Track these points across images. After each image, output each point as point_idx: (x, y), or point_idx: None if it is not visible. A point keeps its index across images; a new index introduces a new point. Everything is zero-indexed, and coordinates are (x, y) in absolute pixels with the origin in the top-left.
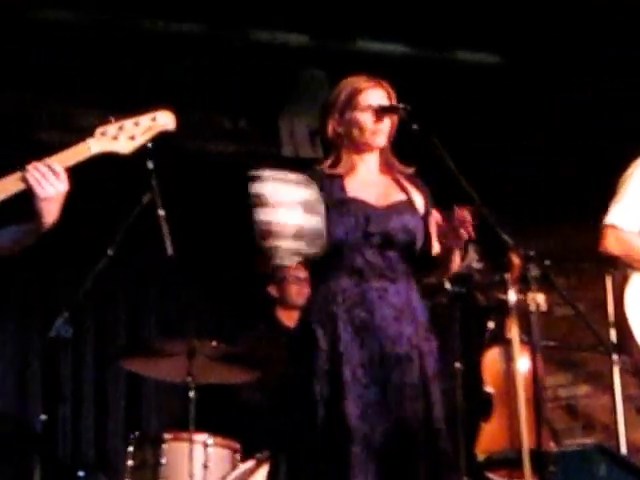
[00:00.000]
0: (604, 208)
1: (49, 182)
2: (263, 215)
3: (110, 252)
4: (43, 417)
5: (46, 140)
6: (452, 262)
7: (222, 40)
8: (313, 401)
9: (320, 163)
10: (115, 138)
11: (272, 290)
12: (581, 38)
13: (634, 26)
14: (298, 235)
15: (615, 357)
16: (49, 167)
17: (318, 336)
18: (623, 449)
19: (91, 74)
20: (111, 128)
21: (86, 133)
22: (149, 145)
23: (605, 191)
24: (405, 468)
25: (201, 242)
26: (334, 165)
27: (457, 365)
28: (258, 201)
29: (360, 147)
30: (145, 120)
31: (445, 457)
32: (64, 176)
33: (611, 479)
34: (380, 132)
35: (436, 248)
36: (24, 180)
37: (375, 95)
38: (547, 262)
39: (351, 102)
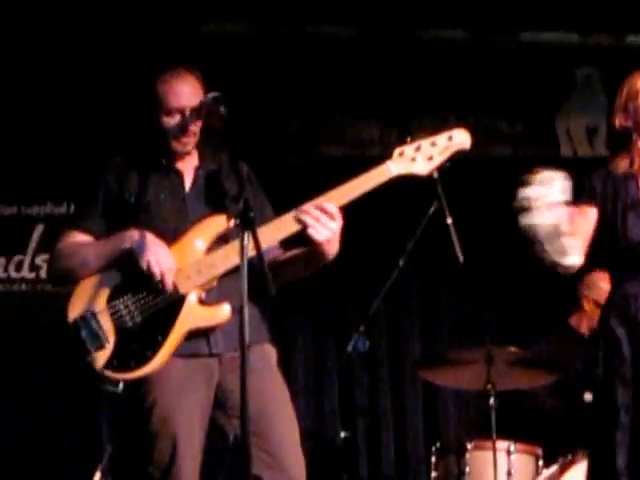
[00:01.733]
0: None
1: (323, 225)
2: (527, 219)
3: (401, 263)
4: (344, 434)
5: (329, 154)
6: None
7: (493, 45)
8: (615, 408)
9: (611, 162)
10: (413, 159)
11: (586, 302)
12: None
13: None
14: (557, 233)
15: None
16: (322, 209)
17: (621, 340)
18: None
19: (369, 87)
20: (408, 149)
21: (366, 146)
22: (447, 165)
23: None
24: None
25: (490, 247)
26: (629, 164)
27: None
28: (523, 205)
29: None
30: (442, 140)
31: None
32: (338, 215)
33: None
34: None
35: None
36: (300, 222)
37: None
38: None
39: (631, 94)
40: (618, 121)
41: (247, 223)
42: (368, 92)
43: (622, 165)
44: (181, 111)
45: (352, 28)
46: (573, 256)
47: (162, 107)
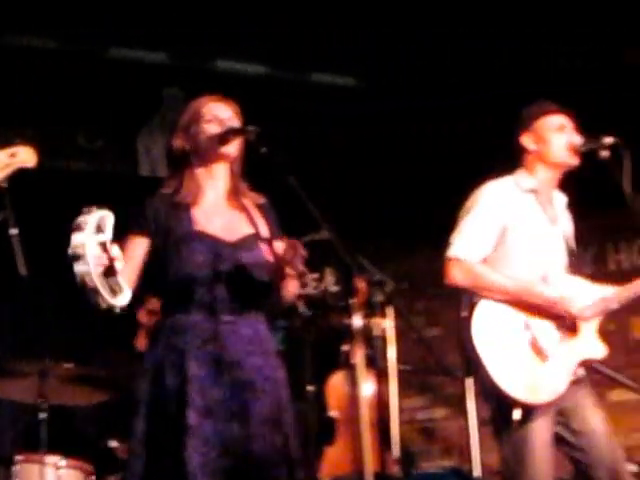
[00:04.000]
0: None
1: None
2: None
3: None
4: None
5: None
6: (282, 291)
7: (81, 56)
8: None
9: (164, 185)
10: None
11: (142, 317)
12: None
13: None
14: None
15: (468, 381)
16: None
17: (166, 370)
18: (477, 472)
19: None
20: None
21: None
22: (3, 185)
23: None
24: None
25: (57, 262)
26: (179, 190)
27: (309, 388)
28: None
29: (209, 159)
30: (3, 156)
31: None
32: None
33: None
34: (229, 141)
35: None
36: None
37: (220, 108)
38: (405, 285)
39: (196, 115)
40: (177, 142)
41: None
42: None
43: (176, 190)
44: None
45: None
46: (121, 295)
47: None
